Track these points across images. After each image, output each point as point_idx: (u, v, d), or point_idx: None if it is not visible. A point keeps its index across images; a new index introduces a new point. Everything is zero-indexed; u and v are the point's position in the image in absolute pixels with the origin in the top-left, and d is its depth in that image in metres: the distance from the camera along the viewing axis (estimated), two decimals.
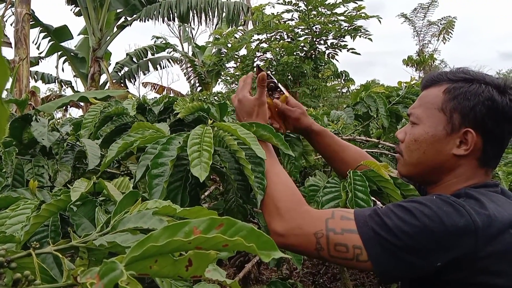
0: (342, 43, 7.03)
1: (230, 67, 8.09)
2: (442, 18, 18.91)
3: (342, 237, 0.87)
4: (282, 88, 1.22)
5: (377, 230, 0.84)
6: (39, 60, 12.62)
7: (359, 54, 7.04)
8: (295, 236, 0.91)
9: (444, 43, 19.15)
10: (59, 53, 12.26)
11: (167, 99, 1.84)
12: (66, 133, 1.48)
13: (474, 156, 0.94)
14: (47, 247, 0.51)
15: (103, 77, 11.64)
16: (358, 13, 6.49)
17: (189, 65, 13.10)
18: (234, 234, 0.37)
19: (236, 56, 7.43)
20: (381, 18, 6.69)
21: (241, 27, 9.79)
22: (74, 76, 13.06)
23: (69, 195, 0.92)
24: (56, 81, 13.76)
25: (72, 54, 12.13)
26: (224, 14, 10.09)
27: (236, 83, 7.59)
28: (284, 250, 0.98)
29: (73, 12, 11.57)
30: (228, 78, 7.75)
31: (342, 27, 6.72)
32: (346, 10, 6.59)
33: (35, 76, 13.40)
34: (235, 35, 7.74)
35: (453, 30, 18.83)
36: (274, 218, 0.95)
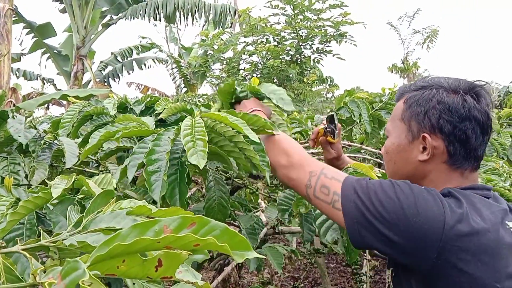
0: (328, 48, 7.07)
1: (215, 69, 8.07)
2: (426, 27, 19.19)
3: (329, 181, 0.98)
4: (335, 132, 1.34)
5: (357, 188, 0.93)
6: (21, 57, 12.38)
7: (343, 59, 7.09)
8: (294, 169, 1.04)
9: (428, 51, 19.42)
10: (42, 50, 12.05)
11: (149, 99, 1.82)
12: (44, 130, 1.45)
13: (440, 159, 0.97)
14: (15, 246, 0.49)
15: (87, 76, 11.48)
16: (344, 19, 6.54)
17: (174, 65, 13.02)
18: (207, 234, 0.36)
19: (222, 58, 7.41)
20: (366, 24, 6.76)
21: (228, 29, 9.78)
22: (57, 74, 12.83)
23: (47, 192, 0.89)
24: (39, 78, 13.52)
25: (55, 51, 11.95)
26: (211, 15, 10.05)
27: (222, 84, 7.57)
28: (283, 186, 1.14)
29: (58, 9, 11.40)
30: (214, 80, 7.72)
31: (328, 32, 6.76)
32: (332, 16, 6.64)
33: (17, 73, 13.13)
34: (222, 37, 7.73)
35: (436, 39, 19.11)
36: (281, 156, 1.08)
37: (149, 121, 1.25)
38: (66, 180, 0.87)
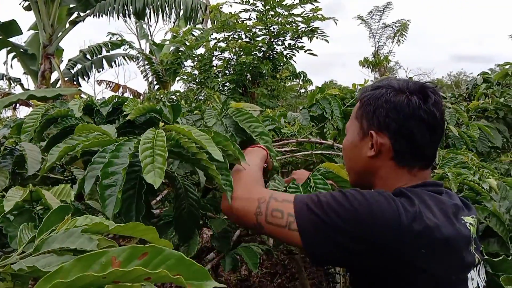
0: (300, 44, 7.08)
1: (187, 66, 7.97)
2: (396, 21, 19.54)
3: (281, 204, 0.96)
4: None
5: (310, 205, 0.92)
6: None
7: (316, 55, 7.12)
8: (241, 200, 1.01)
9: (399, 45, 19.80)
10: (8, 49, 11.65)
11: (116, 100, 1.77)
12: (3, 136, 1.38)
13: (387, 156, 1.00)
14: None
15: (55, 75, 11.18)
16: (314, 14, 6.56)
17: (146, 62, 12.81)
18: (161, 264, 0.33)
19: (194, 55, 7.33)
20: (337, 20, 6.81)
21: (199, 25, 9.67)
22: (24, 73, 12.44)
23: (1, 205, 0.85)
24: (5, 78, 13.08)
25: (21, 50, 11.57)
26: (181, 11, 9.92)
27: (194, 82, 7.50)
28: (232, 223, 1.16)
29: (22, 6, 11.03)
30: (185, 77, 7.62)
31: (299, 28, 6.77)
32: (303, 11, 6.65)
33: None
34: (193, 33, 7.63)
35: (407, 33, 19.49)
36: (232, 191, 1.04)
37: (111, 130, 1.20)
38: (22, 191, 0.82)
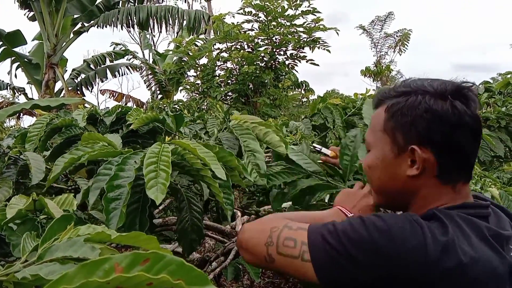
0: (301, 54, 7.12)
1: (190, 75, 8.02)
2: (398, 31, 19.62)
3: (295, 232, 0.85)
4: (325, 151, 1.44)
5: (325, 233, 0.82)
6: None
7: (317, 65, 7.16)
8: (252, 231, 0.91)
9: (400, 54, 19.85)
10: (12, 58, 11.75)
11: (120, 109, 1.78)
12: (8, 146, 1.40)
13: (430, 173, 0.85)
14: None
15: (59, 84, 11.24)
16: (316, 25, 6.61)
17: (149, 72, 12.89)
18: (162, 269, 0.34)
19: (196, 65, 7.38)
20: (338, 30, 6.84)
21: (202, 36, 9.74)
22: (28, 82, 12.52)
23: (5, 213, 0.86)
24: (9, 87, 13.16)
25: (25, 60, 11.66)
26: (184, 22, 10.00)
27: (196, 92, 7.53)
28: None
29: (27, 16, 11.14)
30: (188, 86, 7.67)
31: (301, 38, 6.82)
32: (305, 22, 6.69)
33: None
34: (196, 43, 7.69)
35: (408, 42, 19.55)
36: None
37: (116, 140, 1.21)
38: (25, 200, 0.83)
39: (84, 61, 12.79)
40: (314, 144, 1.46)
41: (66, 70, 12.71)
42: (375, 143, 0.92)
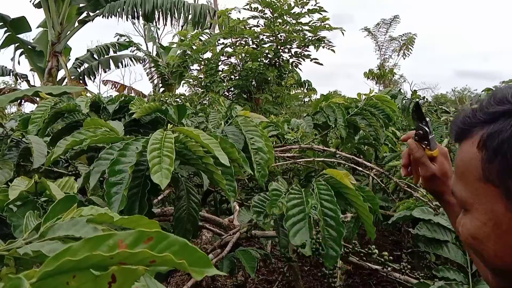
0: (306, 53, 7.12)
1: (194, 69, 8.02)
2: (403, 34, 19.59)
3: None
4: (436, 144, 0.93)
5: None
6: None
7: (321, 64, 7.15)
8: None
9: (404, 58, 19.84)
10: (16, 45, 11.73)
11: (123, 98, 1.78)
12: (11, 128, 1.40)
13: None
14: None
15: (61, 73, 11.24)
16: (322, 24, 6.60)
17: (152, 65, 12.89)
18: (165, 249, 0.34)
19: (200, 59, 7.37)
20: (344, 30, 6.83)
21: (207, 30, 9.73)
22: (31, 70, 12.51)
23: (6, 194, 0.86)
24: (11, 74, 13.15)
25: (29, 47, 11.64)
26: (190, 15, 9.98)
27: (199, 86, 7.53)
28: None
29: (33, 3, 11.13)
30: (191, 80, 7.67)
31: (306, 36, 6.81)
32: (311, 20, 6.69)
33: None
34: (200, 37, 7.69)
35: (413, 46, 19.53)
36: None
37: (119, 126, 1.22)
38: (27, 182, 0.84)
39: (88, 50, 12.78)
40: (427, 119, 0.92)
41: (70, 59, 12.69)
42: (475, 200, 0.62)
